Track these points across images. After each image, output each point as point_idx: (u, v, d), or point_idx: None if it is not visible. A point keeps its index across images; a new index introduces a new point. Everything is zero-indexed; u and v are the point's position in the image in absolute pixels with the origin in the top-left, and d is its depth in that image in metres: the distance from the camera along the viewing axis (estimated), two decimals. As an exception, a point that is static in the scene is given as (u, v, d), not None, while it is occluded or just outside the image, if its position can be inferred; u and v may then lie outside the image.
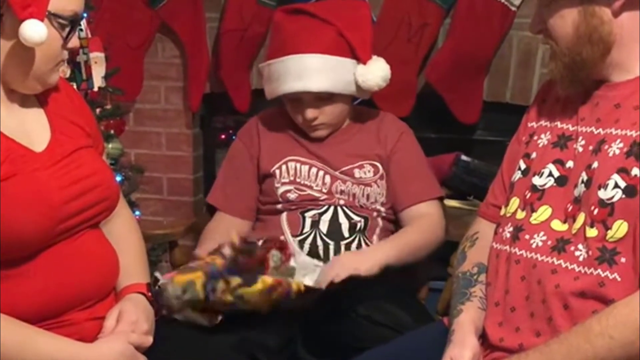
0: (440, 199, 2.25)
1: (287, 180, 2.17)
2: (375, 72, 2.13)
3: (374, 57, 2.15)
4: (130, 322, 1.56)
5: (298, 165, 2.18)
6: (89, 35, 2.67)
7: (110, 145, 2.73)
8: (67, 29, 1.53)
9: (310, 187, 2.16)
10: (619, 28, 1.48)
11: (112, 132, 2.77)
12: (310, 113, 2.12)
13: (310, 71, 2.08)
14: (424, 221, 2.15)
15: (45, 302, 1.50)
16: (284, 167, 2.19)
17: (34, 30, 1.43)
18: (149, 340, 1.58)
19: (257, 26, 3.03)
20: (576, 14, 1.49)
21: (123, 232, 1.74)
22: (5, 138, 1.49)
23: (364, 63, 2.12)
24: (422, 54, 2.91)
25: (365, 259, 1.99)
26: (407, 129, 2.26)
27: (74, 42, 1.57)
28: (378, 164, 2.19)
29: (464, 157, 3.01)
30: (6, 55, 1.48)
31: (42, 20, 1.45)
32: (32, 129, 1.57)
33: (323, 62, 2.09)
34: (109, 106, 2.78)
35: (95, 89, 2.70)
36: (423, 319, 2.00)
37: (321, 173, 2.17)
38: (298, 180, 2.16)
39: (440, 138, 3.05)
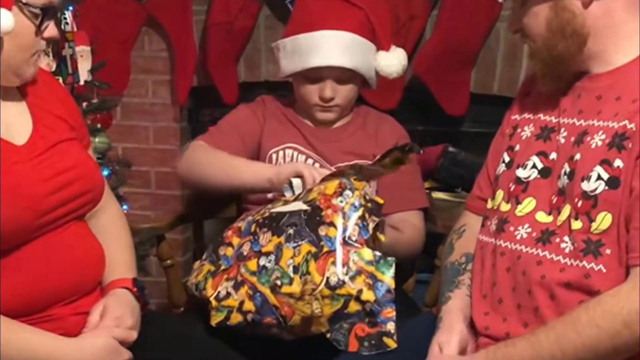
0: (425, 209, 2.25)
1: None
2: (400, 60, 2.18)
3: (393, 47, 2.20)
4: (115, 317, 1.56)
5: (295, 153, 2.19)
6: (75, 29, 2.66)
7: (97, 140, 2.72)
8: (40, 18, 1.49)
9: None
10: (591, 19, 1.49)
11: (99, 126, 2.76)
12: (329, 91, 2.13)
13: (342, 48, 2.10)
14: (410, 230, 2.16)
15: (28, 297, 1.49)
16: (281, 152, 2.19)
17: (5, 23, 1.40)
18: (133, 335, 1.58)
19: (244, 19, 3.02)
20: (548, 9, 1.50)
21: (110, 226, 1.73)
22: None
23: (386, 50, 2.17)
24: (409, 46, 2.90)
25: None
26: (405, 135, 2.27)
27: (50, 31, 1.53)
28: None
29: (451, 149, 3.01)
30: None
31: (9, 9, 1.41)
32: (13, 122, 1.55)
33: (353, 41, 2.12)
34: (95, 100, 2.77)
35: (82, 82, 2.69)
36: (410, 312, 2.01)
37: (317, 165, 2.17)
38: None
39: (427, 130, 3.06)
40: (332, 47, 2.10)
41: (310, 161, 2.18)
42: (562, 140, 1.53)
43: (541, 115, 1.60)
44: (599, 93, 1.50)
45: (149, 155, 3.29)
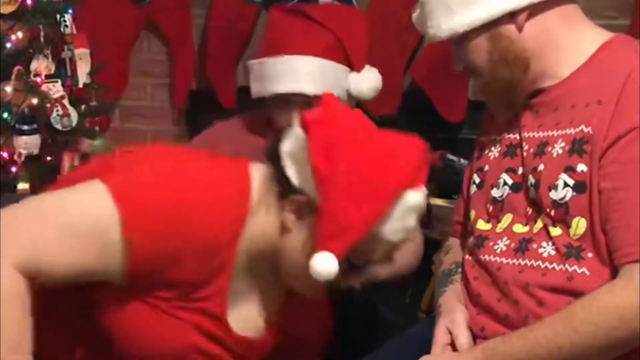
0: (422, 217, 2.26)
1: None
2: (369, 82, 2.13)
3: (367, 67, 2.15)
4: None
5: None
6: (74, 32, 2.67)
7: (95, 142, 2.74)
8: (353, 272, 1.41)
9: None
10: (529, 41, 1.49)
11: (97, 128, 2.77)
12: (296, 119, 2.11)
13: (305, 74, 2.07)
14: (413, 246, 2.16)
15: None
16: None
17: (324, 266, 1.32)
18: None
19: (243, 23, 3.03)
20: (485, 41, 1.50)
21: None
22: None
23: (358, 71, 2.12)
24: (408, 52, 2.92)
25: None
26: None
27: (355, 281, 1.43)
28: None
29: (449, 156, 3.01)
30: (280, 252, 1.40)
31: (341, 259, 1.32)
32: (257, 317, 1.50)
33: (318, 65, 2.08)
34: (94, 103, 2.78)
35: (80, 85, 2.71)
36: (408, 318, 2.01)
37: None
38: None
39: (425, 137, 3.04)
40: (297, 73, 2.06)
41: None
42: (525, 154, 1.54)
43: (505, 134, 1.61)
44: (555, 105, 1.51)
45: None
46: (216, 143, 2.22)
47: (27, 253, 1.27)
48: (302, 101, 2.09)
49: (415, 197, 1.37)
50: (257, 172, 1.42)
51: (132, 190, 1.34)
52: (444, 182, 2.97)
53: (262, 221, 1.40)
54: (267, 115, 2.24)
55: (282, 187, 1.39)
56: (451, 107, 2.94)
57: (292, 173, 1.38)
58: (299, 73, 2.07)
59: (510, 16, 1.48)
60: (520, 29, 1.49)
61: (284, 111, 2.12)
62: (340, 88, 2.11)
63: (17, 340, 1.26)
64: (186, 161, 1.44)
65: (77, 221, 1.31)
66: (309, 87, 2.06)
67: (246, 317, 1.48)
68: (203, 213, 1.35)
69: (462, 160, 2.98)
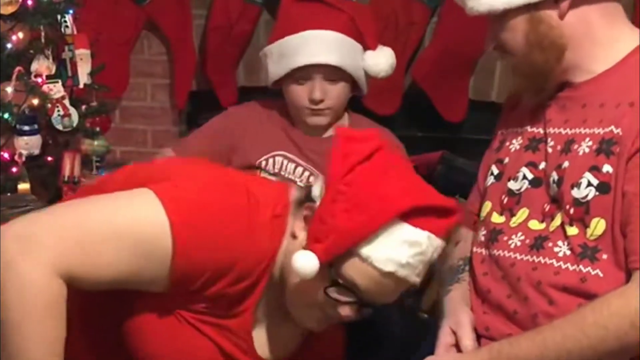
0: None
1: (271, 172, 2.18)
2: (385, 58, 2.19)
3: (380, 46, 2.21)
4: None
5: (285, 161, 2.19)
6: (75, 32, 2.67)
7: (95, 143, 2.74)
8: (339, 295, 1.37)
9: (294, 182, 2.17)
10: (569, 29, 1.48)
11: (97, 129, 2.77)
12: (318, 92, 2.12)
13: (325, 47, 2.12)
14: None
15: None
16: (270, 160, 2.19)
17: (303, 263, 1.32)
18: None
19: (244, 24, 3.03)
20: (524, 23, 1.49)
21: None
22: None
23: (373, 49, 2.18)
24: (408, 52, 2.92)
25: None
26: (401, 148, 2.26)
27: (345, 310, 1.39)
28: None
29: (449, 156, 3.01)
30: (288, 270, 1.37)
31: (322, 261, 1.31)
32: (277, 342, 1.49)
33: (337, 39, 2.13)
34: (94, 103, 2.78)
35: (81, 86, 2.71)
36: (410, 317, 2.01)
37: (307, 173, 2.17)
38: (282, 173, 2.18)
39: (426, 137, 3.06)
40: (318, 45, 2.11)
41: (300, 169, 2.18)
42: (550, 150, 1.53)
43: (528, 127, 1.60)
44: (583, 102, 1.51)
45: (147, 158, 3.26)
46: (230, 128, 2.24)
47: (72, 259, 1.25)
48: (322, 75, 2.11)
49: (415, 234, 1.34)
50: (295, 194, 1.44)
51: (182, 199, 1.33)
52: (444, 182, 2.98)
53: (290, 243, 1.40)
54: (280, 103, 2.25)
55: (305, 198, 1.40)
56: (451, 107, 2.94)
57: (315, 186, 1.41)
58: (320, 46, 2.12)
59: (555, 1, 1.47)
60: (562, 16, 1.47)
61: (304, 90, 2.13)
62: (356, 65, 2.16)
63: (57, 347, 1.26)
64: (227, 175, 1.45)
65: (128, 227, 1.30)
66: (329, 58, 2.10)
67: (262, 342, 1.47)
68: (250, 229, 1.35)
69: (462, 160, 2.98)
